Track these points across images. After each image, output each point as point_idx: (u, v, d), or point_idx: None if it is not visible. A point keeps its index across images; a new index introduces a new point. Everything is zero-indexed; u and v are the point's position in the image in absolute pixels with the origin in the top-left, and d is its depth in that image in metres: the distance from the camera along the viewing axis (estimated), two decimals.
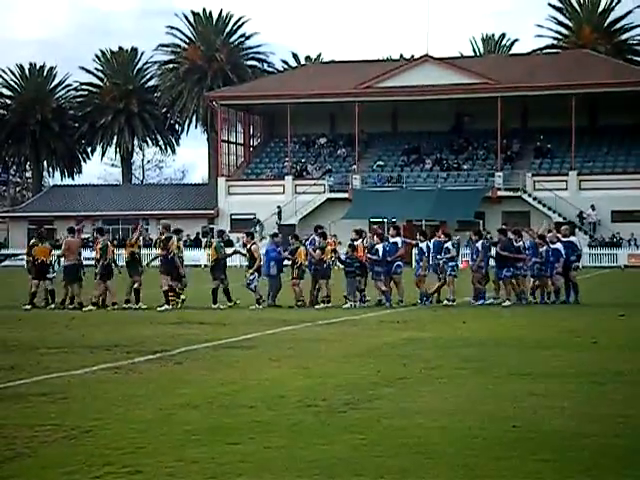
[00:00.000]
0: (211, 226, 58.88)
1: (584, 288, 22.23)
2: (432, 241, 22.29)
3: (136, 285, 21.10)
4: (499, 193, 56.57)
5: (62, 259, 22.07)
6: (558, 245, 22.03)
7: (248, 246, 21.88)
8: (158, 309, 20.26)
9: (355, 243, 21.81)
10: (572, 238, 22.31)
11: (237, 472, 6.37)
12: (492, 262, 22.28)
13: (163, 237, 21.27)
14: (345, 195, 58.27)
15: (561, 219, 53.41)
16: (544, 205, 55.76)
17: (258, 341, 14.34)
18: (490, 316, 18.82)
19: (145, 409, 8.63)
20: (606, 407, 8.66)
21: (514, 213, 54.87)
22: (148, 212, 63.03)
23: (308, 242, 22.60)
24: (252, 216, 58.87)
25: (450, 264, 21.68)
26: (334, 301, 21.20)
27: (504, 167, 58.32)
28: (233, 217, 60.37)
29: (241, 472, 6.37)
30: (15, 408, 8.73)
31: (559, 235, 22.50)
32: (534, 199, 56.25)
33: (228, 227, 56.61)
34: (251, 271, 21.36)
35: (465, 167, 60.00)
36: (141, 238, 23.76)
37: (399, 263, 21.72)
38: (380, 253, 21.40)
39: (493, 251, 22.23)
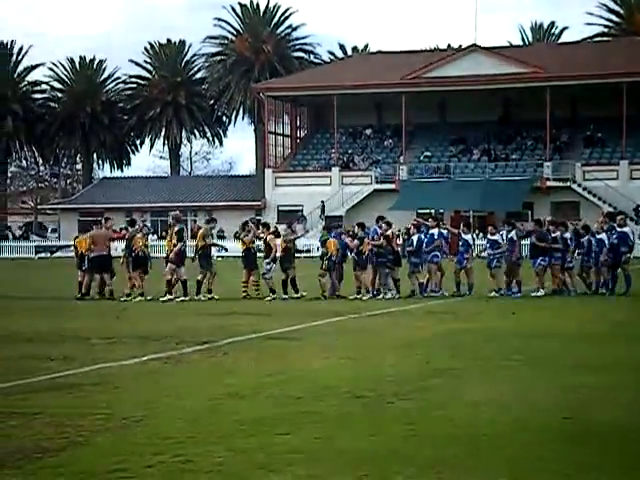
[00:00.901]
0: (258, 217, 59.12)
1: (635, 280, 21.88)
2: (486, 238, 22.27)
3: (199, 277, 21.37)
4: (548, 183, 55.98)
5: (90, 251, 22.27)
6: (602, 235, 21.77)
7: (264, 237, 21.83)
8: (160, 299, 20.50)
9: (387, 233, 21.78)
10: (625, 229, 21.92)
11: (286, 462, 6.39)
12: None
13: (176, 229, 21.40)
14: (392, 186, 58.08)
15: (612, 209, 52.71)
16: (594, 195, 55.06)
17: (304, 332, 14.36)
18: (540, 307, 18.64)
19: (194, 399, 8.69)
20: None
21: (563, 203, 54.30)
22: (196, 204, 63.46)
23: (371, 232, 22.41)
24: (299, 207, 58.96)
25: (497, 256, 21.52)
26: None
27: (553, 157, 57.68)
28: (280, 209, 60.52)
29: (290, 462, 6.39)
30: (67, 397, 8.85)
31: (615, 225, 22.13)
32: (584, 189, 55.57)
33: (275, 218, 56.75)
34: (267, 260, 21.37)
35: (513, 157, 59.45)
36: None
37: (436, 253, 21.62)
38: (415, 243, 21.35)
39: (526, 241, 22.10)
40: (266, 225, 23.04)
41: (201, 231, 22.17)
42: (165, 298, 20.62)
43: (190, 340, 13.10)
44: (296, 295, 21.16)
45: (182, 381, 9.73)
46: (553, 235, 21.65)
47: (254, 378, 9.84)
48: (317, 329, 14.87)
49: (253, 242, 22.23)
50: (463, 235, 22.26)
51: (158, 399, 8.68)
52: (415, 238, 21.59)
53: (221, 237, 49.01)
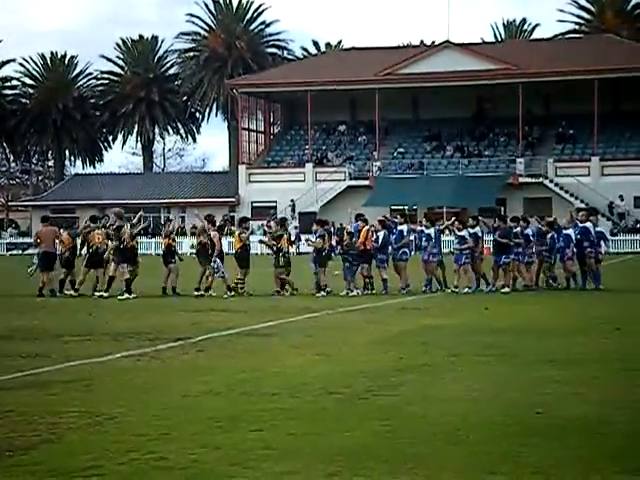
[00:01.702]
0: (231, 214, 58.98)
1: (607, 274, 22.06)
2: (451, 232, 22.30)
3: (239, 276, 21.18)
4: (520, 179, 56.33)
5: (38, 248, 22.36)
6: (569, 231, 21.96)
7: (209, 232, 21.53)
8: (119, 298, 20.31)
9: (349, 229, 21.95)
10: (587, 224, 22.02)
11: (261, 459, 6.38)
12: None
13: (115, 225, 21.36)
14: (366, 182, 58.21)
15: (583, 205, 53.12)
16: (566, 191, 55.47)
17: (279, 328, 14.35)
18: (512, 303, 18.75)
19: (168, 396, 8.65)
20: (632, 394, 8.60)
21: (535, 199, 54.65)
22: (169, 200, 63.25)
23: (352, 228, 22.42)
24: (273, 204, 58.93)
25: (464, 252, 21.58)
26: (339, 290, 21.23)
27: (525, 153, 58.04)
28: (254, 205, 60.44)
29: (265, 459, 6.38)
30: (39, 395, 8.78)
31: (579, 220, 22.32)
32: (556, 185, 55.97)
33: (249, 215, 56.64)
34: (213, 258, 21.09)
35: (486, 153, 59.76)
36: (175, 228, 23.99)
37: (405, 250, 21.64)
38: (380, 240, 21.36)
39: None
40: (211, 221, 22.58)
41: (237, 232, 21.82)
42: (124, 297, 20.39)
43: (164, 337, 13.05)
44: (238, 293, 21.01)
45: (156, 378, 9.68)
46: (514, 231, 21.81)
47: (229, 375, 9.82)
48: (292, 326, 14.87)
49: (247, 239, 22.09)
50: (425, 230, 22.22)
51: (132, 396, 8.64)
52: (380, 235, 21.58)
53: (194, 234, 48.79)
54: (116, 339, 12.96)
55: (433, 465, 6.21)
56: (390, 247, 21.63)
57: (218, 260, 21.07)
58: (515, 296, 20.52)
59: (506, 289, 21.20)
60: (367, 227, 21.73)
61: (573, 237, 21.81)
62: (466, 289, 21.32)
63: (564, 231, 21.95)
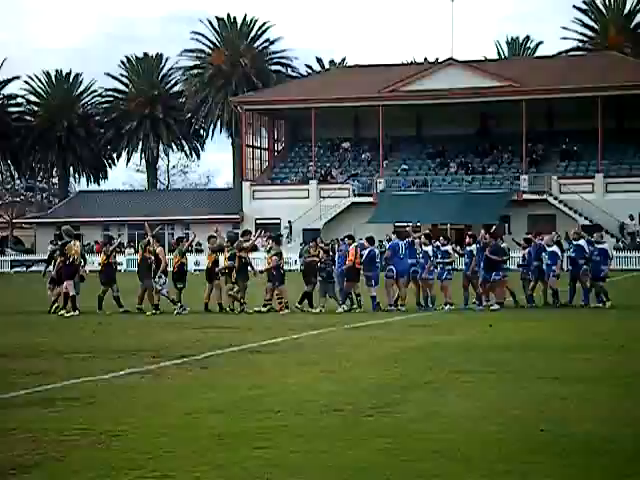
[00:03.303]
0: (235, 231, 59.00)
1: (611, 292, 22.02)
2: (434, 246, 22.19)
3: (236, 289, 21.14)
4: (524, 196, 56.30)
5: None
6: (554, 248, 22.02)
7: (155, 248, 21.50)
8: (65, 315, 20.43)
9: (325, 247, 22.04)
10: (580, 242, 22.06)
11: (264, 477, 6.37)
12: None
13: (61, 242, 21.57)
14: (370, 199, 58.21)
15: (587, 222, 53.06)
16: (570, 208, 55.42)
17: (283, 345, 14.34)
18: (516, 320, 18.72)
19: (172, 414, 8.65)
20: (636, 411, 8.58)
21: (540, 216, 54.58)
22: (174, 217, 63.30)
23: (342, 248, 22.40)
24: (277, 220, 58.93)
25: (447, 268, 21.52)
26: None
27: (529, 170, 58.04)
28: (258, 222, 60.47)
29: (268, 477, 6.37)
30: (44, 413, 8.78)
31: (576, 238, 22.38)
32: (560, 202, 55.93)
33: (253, 231, 56.64)
34: (159, 274, 21.08)
35: (490, 170, 59.77)
36: (189, 243, 23.90)
37: (391, 267, 21.49)
38: (364, 258, 21.34)
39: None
40: (156, 236, 22.49)
41: (69, 247, 21.41)
42: (70, 314, 20.48)
43: (168, 354, 13.04)
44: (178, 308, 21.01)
45: (160, 396, 9.68)
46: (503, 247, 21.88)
47: (233, 392, 9.81)
48: (296, 343, 14.85)
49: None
50: (423, 247, 22.16)
51: (136, 414, 8.64)
52: (365, 252, 21.57)
53: (198, 250, 48.83)
54: (120, 356, 12.95)
55: None
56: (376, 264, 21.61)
57: (164, 276, 21.11)
58: (519, 313, 20.48)
59: (496, 306, 21.14)
60: (355, 244, 21.75)
61: (559, 254, 22.02)
62: (447, 306, 21.25)
63: (549, 249, 22.03)
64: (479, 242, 21.70)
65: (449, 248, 21.72)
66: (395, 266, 21.42)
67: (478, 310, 20.95)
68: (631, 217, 54.24)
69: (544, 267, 21.86)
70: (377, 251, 22.61)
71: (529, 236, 23.28)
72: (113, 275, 21.92)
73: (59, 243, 22.41)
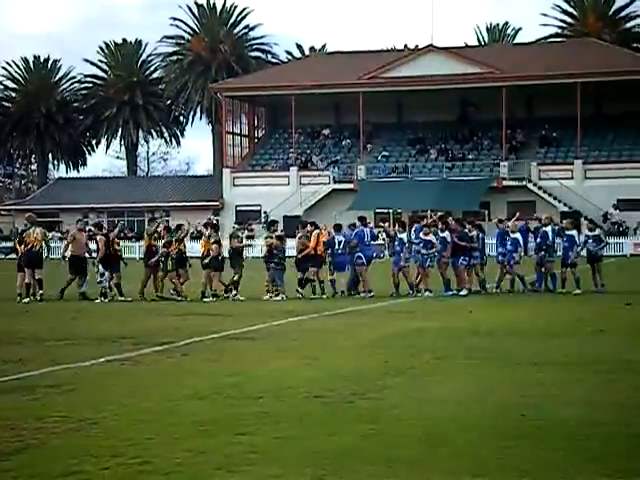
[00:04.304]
0: (216, 218, 58.91)
1: (588, 277, 22.14)
2: (413, 232, 22.38)
3: (235, 277, 21.15)
4: (504, 183, 56.49)
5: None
6: (517, 235, 22.27)
7: (98, 238, 21.58)
8: (23, 301, 20.69)
9: (279, 234, 22.15)
10: (547, 229, 22.32)
11: (245, 463, 6.36)
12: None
13: (20, 230, 22.05)
14: (350, 186, 58.22)
15: (567, 208, 53.33)
16: (549, 194, 55.67)
17: (264, 332, 14.34)
18: (496, 306, 18.80)
19: (152, 400, 8.62)
20: (615, 395, 8.63)
21: (519, 203, 54.77)
22: (154, 204, 63.07)
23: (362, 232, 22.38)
24: (257, 207, 58.85)
25: (430, 256, 21.57)
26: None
27: (509, 157, 58.23)
28: (238, 209, 60.36)
29: (249, 463, 6.36)
30: (23, 400, 8.74)
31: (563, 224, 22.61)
32: (539, 188, 56.16)
33: (233, 218, 56.58)
34: (95, 262, 21.12)
35: (470, 157, 59.91)
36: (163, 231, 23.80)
37: (359, 254, 21.64)
38: (336, 245, 21.61)
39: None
40: (98, 225, 22.40)
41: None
42: (26, 300, 20.79)
43: (149, 341, 13.00)
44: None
45: (140, 382, 9.65)
46: (470, 234, 21.95)
47: (213, 379, 9.79)
48: (276, 329, 14.85)
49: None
50: (398, 234, 22.20)
51: (116, 401, 8.61)
52: (337, 239, 21.79)
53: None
54: (100, 343, 12.90)
55: (419, 467, 6.22)
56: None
57: (100, 266, 21.06)
58: (499, 299, 20.58)
59: (464, 291, 21.27)
60: (317, 231, 21.78)
61: (521, 241, 22.27)
62: (427, 292, 21.30)
63: (511, 235, 22.21)
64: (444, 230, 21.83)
65: (431, 237, 21.76)
66: (363, 253, 21.60)
67: (445, 295, 21.06)
68: (614, 206, 54.40)
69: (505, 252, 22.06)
70: (367, 231, 22.48)
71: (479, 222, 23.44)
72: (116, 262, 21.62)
73: (19, 231, 22.51)
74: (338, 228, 22.34)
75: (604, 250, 23.24)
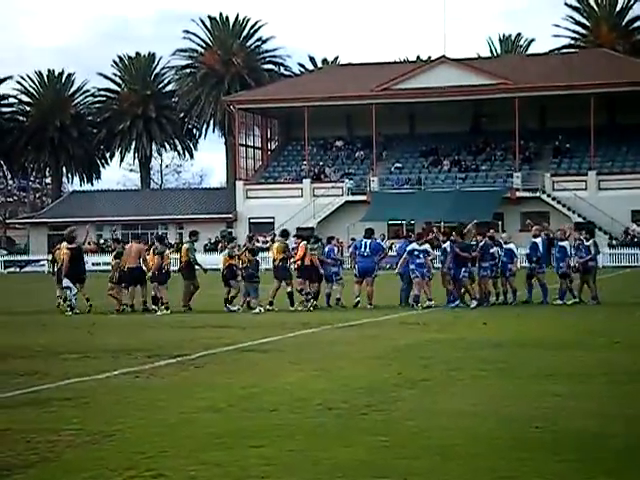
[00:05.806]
0: (229, 230, 59.00)
1: (603, 288, 22.07)
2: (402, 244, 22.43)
3: (233, 293, 21.40)
4: (518, 194, 56.40)
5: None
6: (511, 245, 22.21)
7: (64, 252, 21.35)
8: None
9: (250, 247, 21.90)
10: (537, 240, 22.22)
11: (260, 475, 6.37)
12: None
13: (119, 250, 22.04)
14: (363, 197, 58.24)
15: (580, 219, 53.20)
16: (563, 205, 55.53)
17: (278, 344, 14.34)
18: (510, 317, 18.75)
19: (167, 413, 8.64)
20: (630, 407, 8.60)
21: (533, 214, 54.62)
22: (167, 217, 63.25)
23: (327, 249, 22.42)
24: (271, 219, 58.94)
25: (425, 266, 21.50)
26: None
27: (522, 168, 58.13)
28: (251, 221, 60.44)
29: (264, 475, 6.37)
30: (38, 413, 8.77)
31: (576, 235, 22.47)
32: (553, 199, 56.03)
33: (247, 230, 56.64)
34: (63, 278, 21.09)
35: (483, 168, 59.85)
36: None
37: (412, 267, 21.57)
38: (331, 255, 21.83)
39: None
40: (69, 237, 22.40)
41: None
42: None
43: (162, 354, 13.03)
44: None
45: (155, 395, 9.67)
46: (491, 250, 21.77)
47: (228, 391, 9.81)
48: (290, 341, 14.85)
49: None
50: (442, 244, 22.18)
51: (130, 413, 8.63)
52: (327, 249, 21.99)
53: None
54: (114, 356, 12.94)
55: None
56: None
57: (67, 279, 21.04)
58: (512, 310, 20.51)
59: (474, 303, 21.16)
60: (304, 243, 21.76)
61: (516, 252, 22.17)
62: (427, 302, 21.19)
63: (505, 246, 22.10)
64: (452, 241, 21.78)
65: (427, 247, 21.66)
66: (358, 264, 21.78)
67: (449, 307, 20.95)
68: (636, 222, 54.07)
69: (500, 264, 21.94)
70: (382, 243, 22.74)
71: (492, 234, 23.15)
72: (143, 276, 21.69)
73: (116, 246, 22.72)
74: (369, 233, 22.31)
75: (596, 262, 22.62)
